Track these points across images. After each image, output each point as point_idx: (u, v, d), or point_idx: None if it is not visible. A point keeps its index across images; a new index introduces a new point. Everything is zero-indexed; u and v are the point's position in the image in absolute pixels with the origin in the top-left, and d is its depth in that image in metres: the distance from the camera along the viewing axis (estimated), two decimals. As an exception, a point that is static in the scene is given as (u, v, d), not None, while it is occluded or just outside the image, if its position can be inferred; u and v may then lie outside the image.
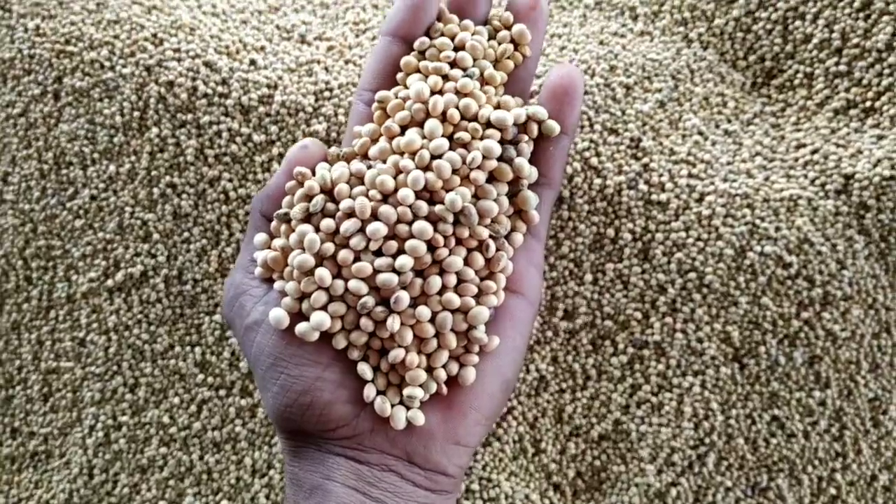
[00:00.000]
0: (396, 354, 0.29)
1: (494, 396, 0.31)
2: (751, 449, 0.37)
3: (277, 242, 0.31)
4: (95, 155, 0.40)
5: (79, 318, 0.41)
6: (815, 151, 0.37)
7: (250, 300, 0.31)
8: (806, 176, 0.36)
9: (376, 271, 0.29)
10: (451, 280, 0.30)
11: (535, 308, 0.32)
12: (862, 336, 0.36)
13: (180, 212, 0.39)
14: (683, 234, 0.36)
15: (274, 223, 0.31)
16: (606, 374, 0.37)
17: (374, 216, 0.29)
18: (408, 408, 0.30)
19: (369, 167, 0.30)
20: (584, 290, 0.37)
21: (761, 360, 0.36)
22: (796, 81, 0.38)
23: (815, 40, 0.38)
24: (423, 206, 0.29)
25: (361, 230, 0.29)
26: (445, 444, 0.30)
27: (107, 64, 0.39)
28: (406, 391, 0.30)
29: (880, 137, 0.36)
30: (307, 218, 0.30)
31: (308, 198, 0.30)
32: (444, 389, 0.30)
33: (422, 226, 0.29)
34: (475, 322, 0.30)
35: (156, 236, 0.39)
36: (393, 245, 0.29)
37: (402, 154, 0.30)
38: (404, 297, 0.29)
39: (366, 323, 0.29)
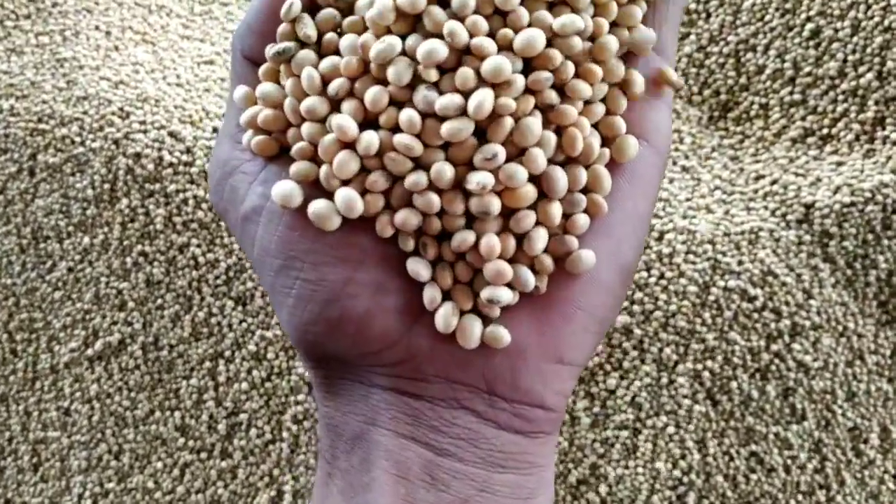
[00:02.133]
0: (464, 238, 0.20)
1: (611, 289, 0.22)
2: (731, 486, 0.36)
3: (266, 88, 0.22)
4: (70, 228, 0.41)
5: (63, 388, 0.42)
6: (774, 182, 0.37)
7: (244, 180, 0.23)
8: (766, 207, 0.36)
9: (439, 119, 0.20)
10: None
11: (662, 159, 0.23)
12: (835, 365, 0.36)
13: (153, 279, 0.40)
14: (645, 273, 0.36)
15: (266, 66, 0.22)
16: (579, 419, 0.37)
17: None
18: (485, 318, 0.21)
19: None
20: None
21: (734, 396, 0.36)
22: (752, 113, 0.39)
23: (767, 71, 0.38)
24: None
25: (404, 53, 0.20)
26: (542, 362, 0.22)
27: (77, 139, 0.40)
28: (485, 293, 0.20)
29: (839, 164, 0.36)
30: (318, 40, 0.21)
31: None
32: (544, 287, 0.21)
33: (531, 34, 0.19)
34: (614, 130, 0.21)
35: (131, 304, 0.40)
36: (469, 75, 0.19)
37: None
38: (500, 151, 0.20)
39: (426, 200, 0.20)
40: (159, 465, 0.41)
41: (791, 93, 0.38)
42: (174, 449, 0.40)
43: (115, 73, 0.42)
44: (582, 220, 0.21)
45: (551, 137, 0.20)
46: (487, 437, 0.22)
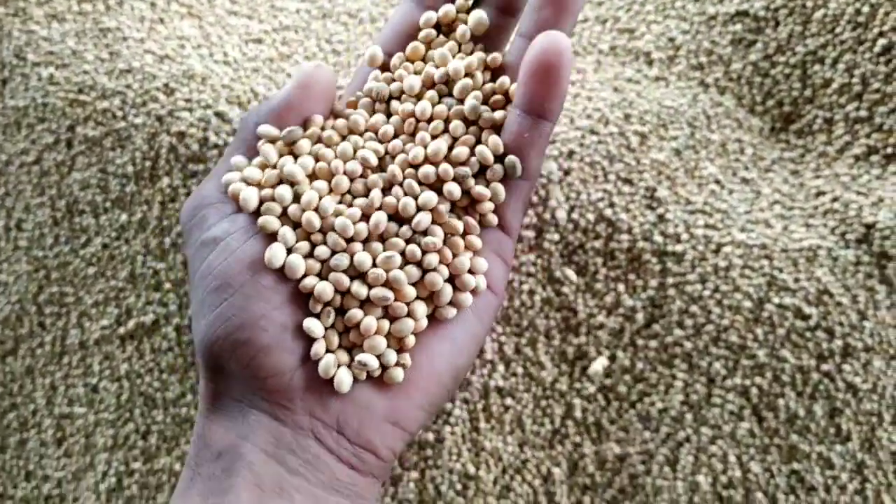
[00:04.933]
0: (354, 315, 0.28)
1: (443, 384, 0.29)
2: (770, 503, 0.36)
3: (261, 165, 0.29)
4: (107, 204, 0.40)
5: (91, 365, 0.41)
6: (835, 199, 0.36)
7: (215, 214, 0.29)
8: (826, 225, 0.36)
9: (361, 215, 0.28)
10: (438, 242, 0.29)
11: (499, 302, 0.30)
12: (884, 388, 0.35)
13: (192, 261, 0.39)
14: (699, 286, 0.35)
15: (266, 145, 0.29)
16: (621, 427, 0.36)
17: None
18: (355, 374, 0.28)
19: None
20: (601, 337, 0.36)
21: (780, 413, 0.35)
22: (815, 127, 0.38)
23: (834, 85, 0.37)
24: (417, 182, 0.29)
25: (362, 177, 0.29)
26: (382, 422, 0.28)
27: (119, 113, 0.39)
28: (360, 357, 0.28)
29: (902, 185, 0.36)
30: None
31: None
32: (409, 361, 0.28)
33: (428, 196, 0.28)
34: (462, 269, 0.29)
35: (167, 285, 0.39)
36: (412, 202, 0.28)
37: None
38: (396, 255, 0.28)
39: (339, 279, 0.28)
40: (188, 447, 0.40)
41: (857, 109, 0.37)
42: (204, 433, 0.40)
43: (161, 47, 0.40)
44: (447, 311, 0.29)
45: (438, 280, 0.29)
46: (329, 464, 0.28)
